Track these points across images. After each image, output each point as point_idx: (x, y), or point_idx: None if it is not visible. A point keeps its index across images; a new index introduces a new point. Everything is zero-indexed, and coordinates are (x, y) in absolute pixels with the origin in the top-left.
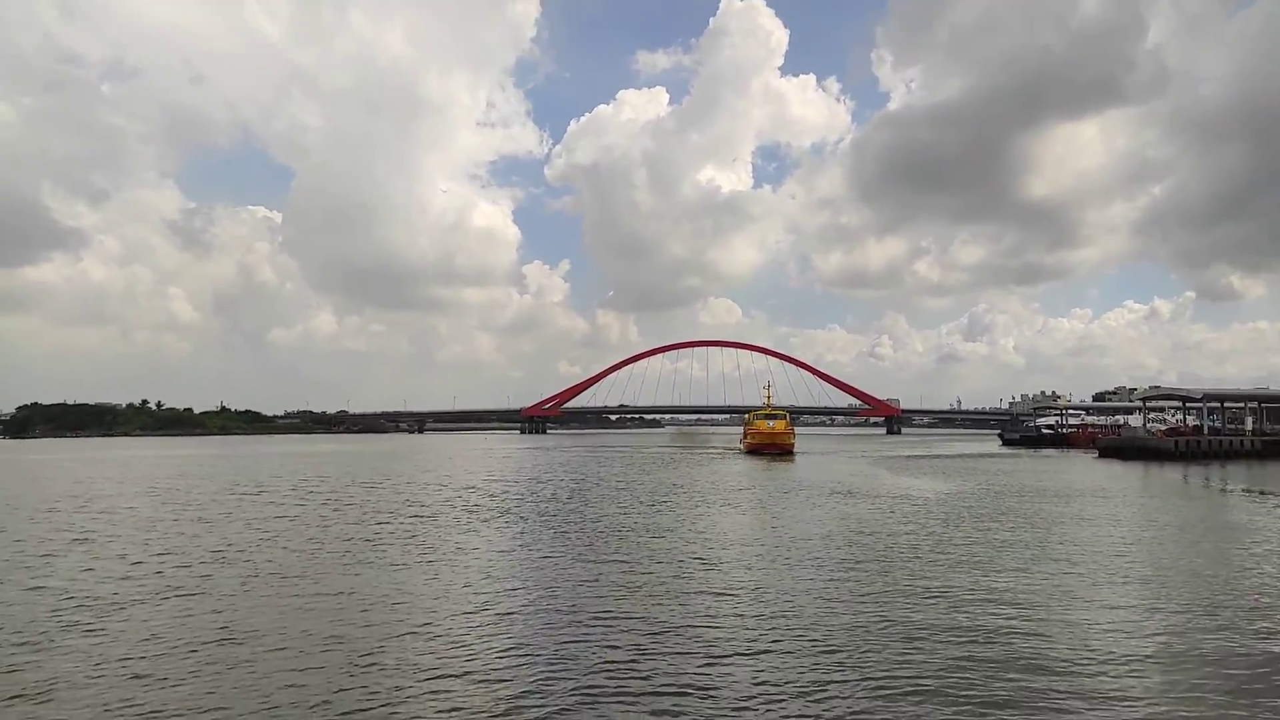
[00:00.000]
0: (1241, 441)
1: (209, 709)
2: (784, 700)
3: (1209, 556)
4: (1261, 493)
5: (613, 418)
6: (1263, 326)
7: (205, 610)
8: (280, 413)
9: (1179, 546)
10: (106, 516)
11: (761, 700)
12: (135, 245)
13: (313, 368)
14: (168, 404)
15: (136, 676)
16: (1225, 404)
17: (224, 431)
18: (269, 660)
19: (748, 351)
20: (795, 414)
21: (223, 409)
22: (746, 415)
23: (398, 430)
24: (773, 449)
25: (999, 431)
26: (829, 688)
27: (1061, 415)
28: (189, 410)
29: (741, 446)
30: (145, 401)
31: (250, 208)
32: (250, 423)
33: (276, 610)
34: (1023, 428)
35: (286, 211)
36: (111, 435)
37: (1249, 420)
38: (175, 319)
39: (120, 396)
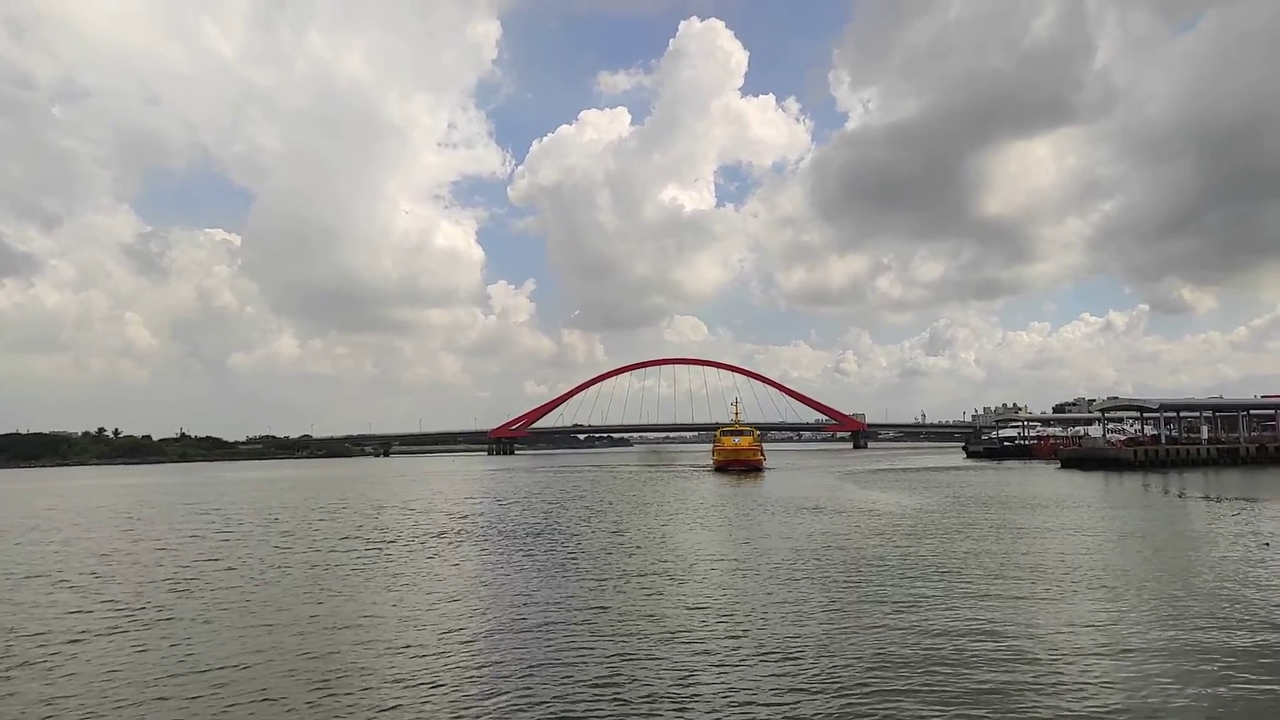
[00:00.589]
0: (1198, 450)
1: None
2: (755, 710)
3: (1172, 562)
4: (1219, 499)
5: (581, 437)
6: (1214, 337)
7: (163, 643)
8: (242, 439)
9: (1143, 553)
10: (62, 549)
11: (734, 711)
12: (90, 270)
13: (275, 392)
14: (125, 432)
15: (91, 713)
16: (1181, 414)
17: (184, 459)
18: (229, 691)
19: (714, 369)
20: (763, 430)
21: (182, 436)
22: (715, 433)
23: (363, 454)
24: (739, 465)
25: (963, 444)
26: (799, 697)
27: (1023, 427)
28: (147, 438)
29: (711, 464)
30: (102, 430)
31: (208, 231)
32: (211, 449)
33: (236, 640)
34: (985, 440)
35: (245, 234)
36: (67, 465)
37: (1204, 429)
38: (132, 345)
39: (76, 425)
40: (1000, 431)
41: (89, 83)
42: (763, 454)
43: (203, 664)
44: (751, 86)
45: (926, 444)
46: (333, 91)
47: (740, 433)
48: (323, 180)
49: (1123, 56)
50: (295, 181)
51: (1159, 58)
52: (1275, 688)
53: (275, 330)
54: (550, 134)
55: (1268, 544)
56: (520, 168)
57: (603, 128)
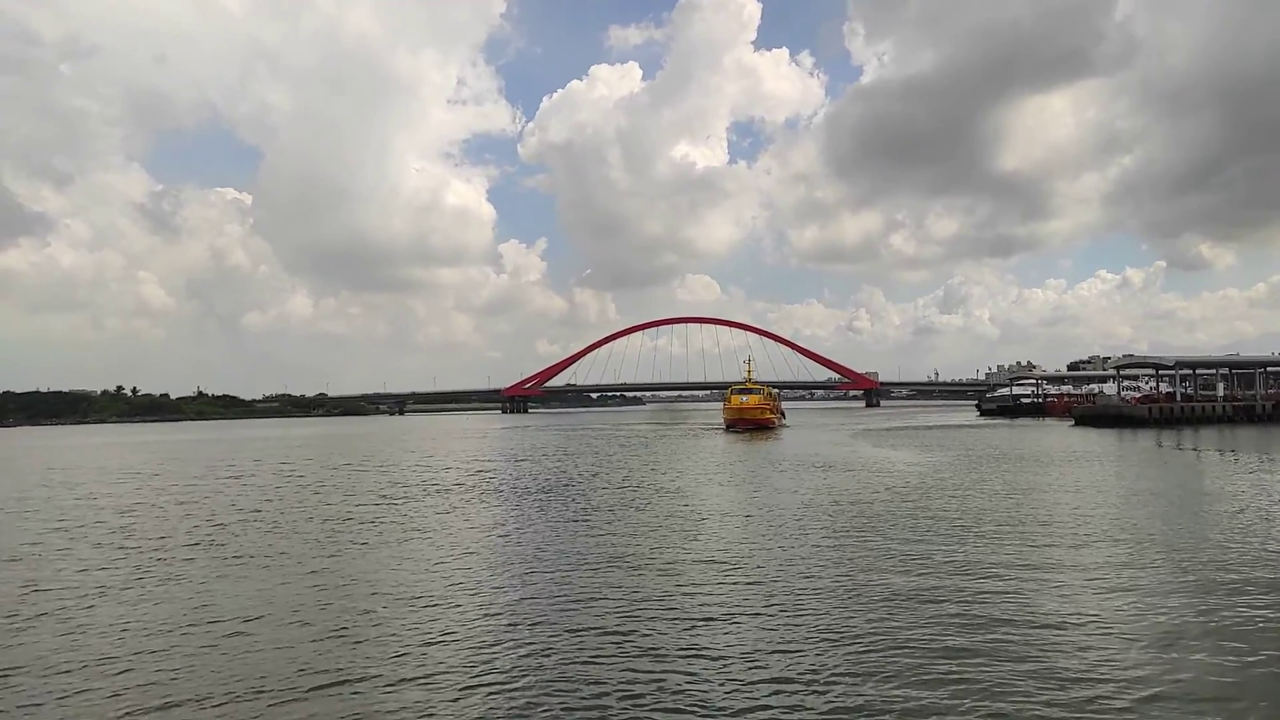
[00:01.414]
0: (1213, 407)
1: (187, 694)
2: (764, 659)
3: (1184, 518)
4: (1234, 456)
5: (594, 396)
6: (1232, 294)
7: (180, 594)
8: (259, 397)
9: (1155, 509)
10: (85, 503)
11: (743, 660)
12: (103, 229)
13: (290, 351)
14: (143, 390)
15: (108, 659)
16: (1197, 371)
17: (201, 417)
18: (243, 640)
19: (727, 328)
20: (776, 389)
21: (199, 394)
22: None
23: (378, 412)
24: (746, 424)
25: (976, 402)
26: (805, 648)
27: (1037, 385)
28: (165, 396)
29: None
30: (120, 388)
31: (219, 190)
32: (228, 407)
33: (254, 592)
34: (994, 397)
35: (256, 193)
36: (87, 423)
37: (1220, 386)
38: (147, 304)
39: (95, 383)
40: (1008, 389)
41: (96, 40)
42: (778, 413)
43: (219, 614)
44: (764, 40)
45: (940, 402)
46: (340, 47)
47: (749, 391)
48: (332, 138)
49: (1144, 7)
50: (304, 140)
51: (1181, 8)
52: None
53: (288, 289)
54: (560, 90)
55: None
56: (530, 124)
57: (613, 83)
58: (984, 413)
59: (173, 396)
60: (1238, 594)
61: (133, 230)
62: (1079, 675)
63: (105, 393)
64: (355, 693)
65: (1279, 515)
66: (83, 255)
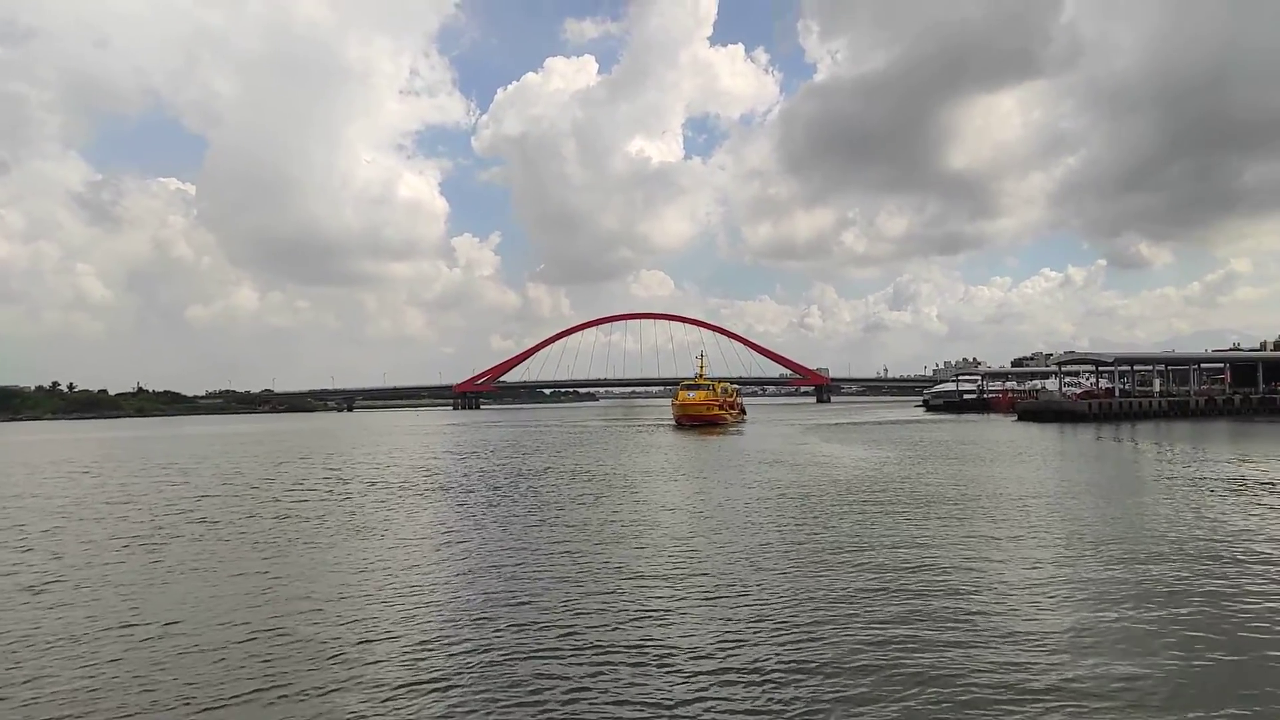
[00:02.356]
0: (1150, 402)
1: (109, 703)
2: (708, 650)
3: (1118, 509)
4: (1169, 450)
5: (547, 392)
6: (1169, 293)
7: (111, 598)
8: (201, 393)
9: (1092, 500)
10: (10, 502)
11: (687, 652)
12: (40, 219)
13: (235, 346)
14: (81, 386)
15: (17, 665)
16: (1135, 367)
17: (142, 414)
18: (177, 646)
19: (681, 323)
20: (736, 385)
21: (140, 390)
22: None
23: (326, 409)
24: (691, 420)
25: (924, 398)
26: (751, 639)
27: (982, 380)
28: (104, 392)
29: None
30: (56, 384)
31: (161, 180)
32: (170, 404)
33: (188, 595)
34: (943, 393)
35: (201, 183)
36: (19, 419)
37: (1156, 382)
38: (86, 297)
39: (29, 379)
40: (943, 385)
41: (33, 23)
42: (736, 409)
43: (147, 618)
44: (720, 36)
45: (888, 398)
46: (288, 34)
47: (699, 387)
48: (280, 127)
49: (1090, 9)
50: (251, 129)
51: (1125, 10)
52: (1204, 616)
53: (234, 282)
54: (515, 82)
55: (1212, 490)
56: (484, 117)
57: (569, 76)
58: (931, 408)
59: (112, 392)
60: (1165, 579)
61: (71, 221)
62: (1012, 661)
63: (40, 388)
64: (287, 696)
65: (1207, 504)
66: (17, 246)
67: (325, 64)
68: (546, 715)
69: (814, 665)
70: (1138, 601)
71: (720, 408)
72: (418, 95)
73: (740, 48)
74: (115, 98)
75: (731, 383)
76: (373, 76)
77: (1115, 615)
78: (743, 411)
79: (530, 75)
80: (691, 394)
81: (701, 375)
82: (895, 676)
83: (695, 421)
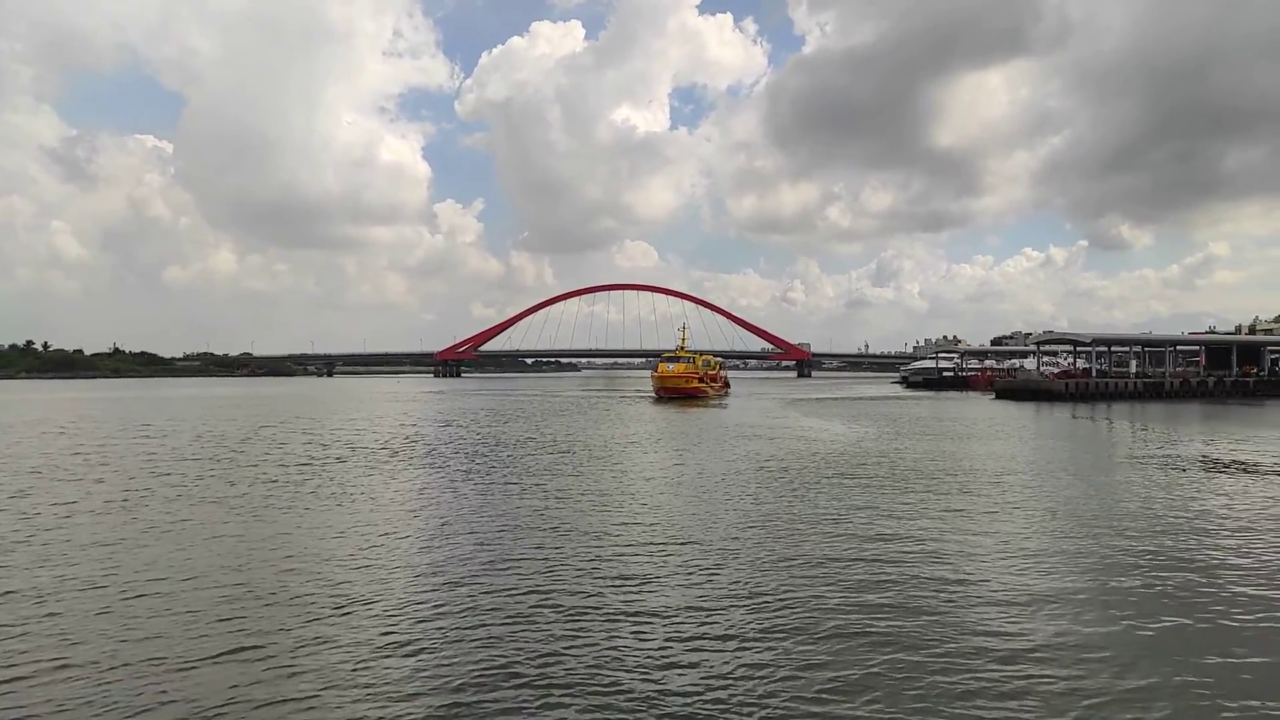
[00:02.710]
0: (1126, 383)
1: (79, 659)
2: (681, 619)
3: (1091, 484)
4: (1142, 429)
5: (529, 361)
6: (1148, 275)
7: (85, 559)
8: (179, 355)
9: (1065, 476)
10: None
11: (661, 619)
12: (12, 174)
13: (213, 308)
14: (55, 345)
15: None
16: (1112, 348)
17: (118, 375)
18: (151, 607)
19: (664, 295)
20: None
21: (116, 351)
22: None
23: (305, 374)
24: (670, 393)
25: (903, 375)
26: (726, 607)
27: (961, 359)
28: (79, 352)
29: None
30: (30, 343)
31: (138, 136)
32: (146, 365)
33: (162, 558)
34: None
35: (178, 142)
36: None
37: (1133, 363)
38: (61, 255)
39: (2, 338)
40: (920, 364)
41: None
42: (719, 382)
43: (120, 579)
44: (709, 4)
45: (869, 374)
46: None
47: (679, 359)
48: (260, 86)
49: None
50: (230, 87)
51: None
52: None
53: (212, 244)
54: (500, 45)
55: (1184, 469)
56: (469, 81)
57: (555, 41)
58: (910, 385)
59: (87, 352)
60: (1133, 555)
61: (44, 176)
62: (985, 630)
63: (14, 347)
64: (259, 658)
65: (1177, 483)
66: None
67: (306, 22)
68: (521, 678)
69: (788, 629)
70: (1105, 570)
71: (701, 381)
72: (400, 57)
73: (729, 17)
74: (90, 52)
75: (714, 356)
76: (354, 36)
77: (1083, 583)
78: (726, 385)
79: (516, 39)
80: (671, 366)
81: (683, 348)
82: (868, 640)
83: (674, 394)
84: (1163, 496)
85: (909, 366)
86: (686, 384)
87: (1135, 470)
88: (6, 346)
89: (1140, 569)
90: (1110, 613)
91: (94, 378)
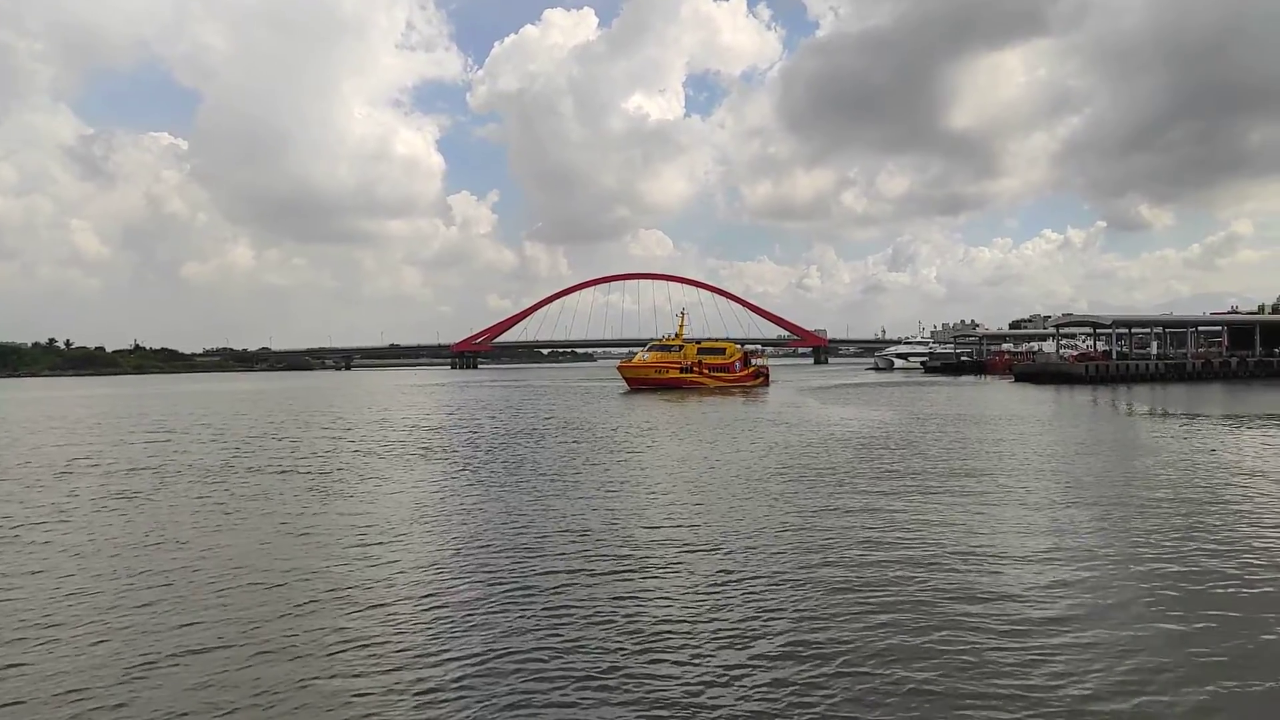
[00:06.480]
0: (1146, 365)
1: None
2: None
3: (1114, 470)
4: (1164, 413)
5: (545, 352)
6: (1169, 255)
7: (109, 551)
8: (199, 350)
9: (1086, 463)
10: (9, 455)
11: (684, 603)
12: (33, 173)
13: (232, 304)
14: (77, 343)
15: (19, 612)
16: (1132, 330)
17: (139, 371)
18: (170, 595)
19: (679, 284)
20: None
21: (137, 347)
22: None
23: (324, 367)
24: (639, 385)
25: (921, 360)
26: (746, 590)
27: (981, 342)
28: (100, 349)
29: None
30: (53, 340)
31: (154, 134)
32: (167, 361)
33: (184, 552)
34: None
35: (193, 138)
36: (17, 376)
37: (1153, 345)
38: (81, 253)
39: (25, 335)
40: (896, 348)
41: None
42: (722, 370)
43: (147, 568)
44: None
45: None
46: None
47: (667, 348)
48: (274, 81)
49: None
50: (245, 83)
51: None
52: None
53: (230, 240)
54: (513, 35)
55: (1213, 450)
56: (481, 72)
57: (568, 30)
58: (928, 370)
59: (109, 349)
60: (1163, 542)
61: (63, 175)
62: (1021, 626)
63: (37, 345)
64: (292, 659)
65: (1201, 465)
66: (10, 200)
67: (319, 17)
68: (542, 669)
69: (814, 618)
70: (1132, 551)
71: (687, 370)
72: (414, 50)
73: (743, 2)
74: (106, 50)
75: (737, 344)
76: (368, 30)
77: (1107, 565)
78: (762, 378)
79: (529, 28)
80: (647, 355)
81: (679, 335)
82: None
83: (642, 386)
84: (1185, 478)
85: (883, 352)
86: (659, 374)
87: (1156, 452)
88: (29, 344)
89: (1168, 549)
90: (1145, 591)
91: (116, 374)
